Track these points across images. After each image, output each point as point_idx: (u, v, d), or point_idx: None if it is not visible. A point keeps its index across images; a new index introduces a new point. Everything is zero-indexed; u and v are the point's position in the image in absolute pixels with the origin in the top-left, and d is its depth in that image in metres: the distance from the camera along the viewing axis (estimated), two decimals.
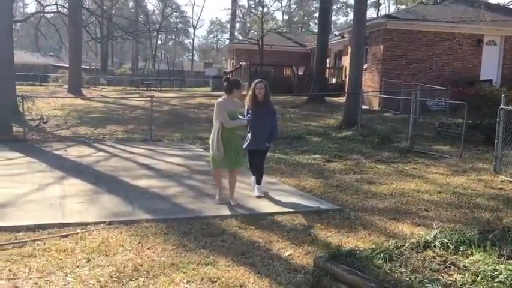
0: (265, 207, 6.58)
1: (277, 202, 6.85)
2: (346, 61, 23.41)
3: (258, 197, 7.01)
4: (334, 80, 27.90)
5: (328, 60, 27.81)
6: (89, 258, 4.56)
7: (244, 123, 6.90)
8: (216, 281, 4.18)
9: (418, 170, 9.75)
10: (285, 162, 10.12)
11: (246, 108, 7.14)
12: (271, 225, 5.85)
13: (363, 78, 18.59)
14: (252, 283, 4.17)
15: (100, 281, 4.07)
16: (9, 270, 4.22)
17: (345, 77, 23.14)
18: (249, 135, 7.06)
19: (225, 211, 6.32)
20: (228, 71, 36.02)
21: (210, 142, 6.72)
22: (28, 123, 13.68)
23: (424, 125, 15.30)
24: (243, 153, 7.00)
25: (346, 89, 18.29)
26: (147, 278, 4.19)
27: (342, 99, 20.37)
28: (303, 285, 4.13)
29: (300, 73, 28.53)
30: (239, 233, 5.51)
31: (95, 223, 5.58)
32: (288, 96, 23.70)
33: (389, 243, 4.51)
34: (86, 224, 5.56)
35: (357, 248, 4.46)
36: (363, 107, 16.39)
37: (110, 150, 11.59)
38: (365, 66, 20.47)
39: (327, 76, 26.91)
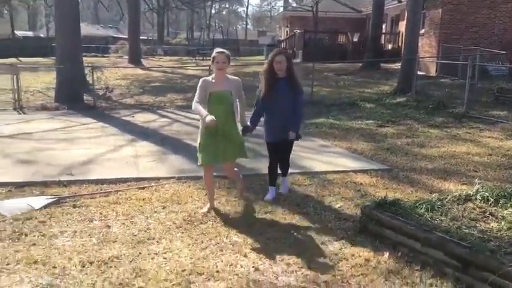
0: (318, 166, 7.07)
1: (329, 162, 7.33)
2: (402, 26, 23.00)
3: (281, 193, 5.68)
4: (390, 46, 27.47)
5: (384, 26, 27.35)
6: (164, 206, 5.27)
7: (203, 117, 4.75)
8: (273, 226, 4.76)
9: (471, 134, 9.86)
10: (337, 128, 10.50)
11: (260, 90, 5.40)
12: (323, 182, 6.35)
13: (419, 44, 18.32)
14: (306, 228, 4.72)
15: (175, 223, 4.76)
16: (100, 213, 4.99)
17: (402, 42, 22.79)
18: (264, 123, 5.50)
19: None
20: (282, 39, 36.13)
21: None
22: (96, 92, 14.73)
23: (482, 91, 15.07)
24: (244, 141, 5.31)
25: (402, 55, 18.14)
26: (214, 222, 4.84)
27: (398, 66, 20.16)
28: (351, 230, 4.63)
29: (355, 40, 28.29)
30: (294, 188, 6.05)
31: (166, 178, 6.30)
32: (342, 64, 23.71)
33: (432, 196, 4.90)
34: (159, 178, 6.29)
35: (401, 199, 4.88)
36: (419, 73, 16.29)
37: (172, 116, 12.38)
38: (422, 31, 20.09)
39: (382, 42, 26.55)
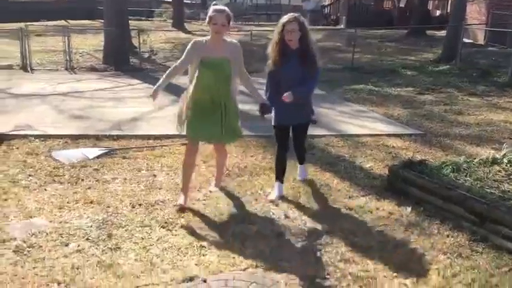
0: (353, 129, 7.31)
1: (364, 126, 7.54)
2: None
3: (301, 179, 5.07)
4: (438, 13, 26.66)
5: None
6: (205, 161, 5.68)
7: (153, 89, 4.20)
8: (305, 181, 5.09)
9: None
10: (376, 94, 10.58)
11: (268, 66, 4.47)
12: (357, 144, 6.60)
13: (468, 10, 17.78)
14: (336, 184, 5.04)
15: (214, 175, 5.17)
16: (147, 165, 5.47)
17: (450, 9, 22.09)
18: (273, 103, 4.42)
19: (316, 131, 7.14)
20: (326, 4, 35.55)
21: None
22: (142, 54, 15.23)
23: None
24: (237, 124, 4.44)
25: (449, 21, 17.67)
26: (250, 175, 5.22)
27: (445, 33, 19.68)
28: (378, 187, 4.91)
29: (402, 5, 27.56)
30: (327, 148, 6.34)
31: None
32: (387, 30, 23.28)
33: (459, 158, 5.09)
34: None
35: (427, 160, 5.09)
36: (466, 40, 15.91)
37: None
38: None
39: (430, 8, 25.78)
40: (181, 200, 4.25)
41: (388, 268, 3.34)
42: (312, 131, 7.16)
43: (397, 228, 3.99)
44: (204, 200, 4.50)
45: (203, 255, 3.43)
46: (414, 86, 11.56)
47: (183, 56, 4.17)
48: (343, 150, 6.32)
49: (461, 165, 4.78)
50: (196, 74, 4.11)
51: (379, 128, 7.42)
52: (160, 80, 4.16)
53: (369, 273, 3.27)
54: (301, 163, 5.13)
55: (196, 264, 3.30)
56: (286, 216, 4.18)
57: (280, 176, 4.69)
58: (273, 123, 4.60)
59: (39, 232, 3.66)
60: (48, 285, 2.96)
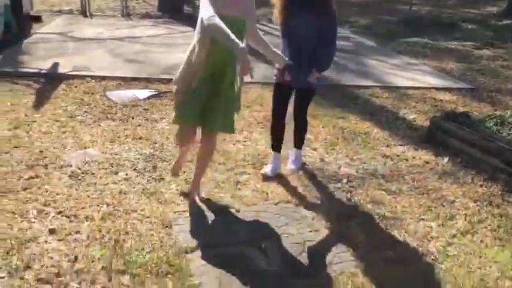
0: (400, 82, 7.21)
1: (413, 79, 7.41)
2: None
3: (291, 171, 4.02)
4: None
5: None
6: (248, 106, 5.85)
7: (238, 48, 2.79)
8: (345, 129, 5.17)
9: None
10: (430, 47, 10.25)
11: (275, 17, 3.75)
12: (402, 96, 6.54)
13: None
14: (375, 133, 5.09)
15: (256, 120, 5.35)
16: None
17: None
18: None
19: (362, 82, 7.12)
20: None
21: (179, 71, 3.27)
22: (195, 3, 15.33)
23: None
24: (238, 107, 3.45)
25: None
26: (291, 120, 5.35)
27: None
28: (418, 138, 4.93)
29: None
30: (371, 99, 6.34)
31: (253, 83, 6.85)
32: None
33: (506, 111, 4.99)
34: (247, 83, 6.84)
35: (470, 111, 5.03)
36: None
37: (264, 28, 12.72)
38: None
39: None
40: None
41: (415, 211, 3.45)
42: (357, 81, 7.17)
43: (430, 176, 4.05)
44: (244, 141, 4.70)
45: (238, 190, 3.66)
46: (473, 41, 11.07)
47: (208, 6, 2.93)
48: (387, 101, 6.30)
49: (506, 119, 4.70)
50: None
51: (429, 81, 7.28)
52: (229, 32, 2.81)
53: (396, 214, 3.40)
54: (297, 145, 4.08)
55: (231, 197, 3.54)
56: (322, 160, 4.32)
57: (276, 145, 4.03)
58: (275, 80, 3.83)
59: (92, 161, 4.00)
60: (98, 205, 3.29)
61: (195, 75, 3.11)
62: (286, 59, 3.53)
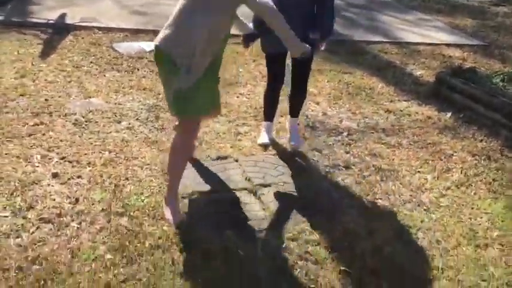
0: (410, 37, 7.08)
1: (424, 35, 7.27)
2: None
3: (294, 146, 3.62)
4: None
5: None
6: (254, 59, 5.81)
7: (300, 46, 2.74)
8: (350, 84, 5.15)
9: None
10: (446, 3, 9.98)
11: None
12: (412, 52, 6.45)
13: None
14: (380, 88, 5.07)
15: (262, 73, 5.33)
16: None
17: None
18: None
19: (371, 37, 7.01)
20: None
21: (175, 53, 2.58)
22: None
23: None
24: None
25: None
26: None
27: None
28: (423, 93, 4.89)
29: None
30: (380, 55, 6.26)
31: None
32: None
33: None
34: None
35: (478, 68, 4.96)
36: None
37: None
38: None
39: None
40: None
41: (412, 164, 3.48)
42: (367, 37, 7.06)
43: (431, 131, 4.05)
44: (248, 94, 4.71)
45: (238, 141, 3.71)
46: None
47: None
48: (396, 57, 6.22)
49: None
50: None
51: (440, 38, 7.14)
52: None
53: (392, 166, 3.44)
54: (293, 114, 3.67)
55: (231, 147, 3.60)
56: (324, 113, 4.33)
57: (270, 114, 3.65)
58: (264, 51, 3.36)
59: (96, 110, 4.06)
60: (100, 152, 3.37)
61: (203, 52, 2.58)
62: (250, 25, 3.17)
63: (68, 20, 6.86)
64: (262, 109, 3.71)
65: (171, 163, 2.73)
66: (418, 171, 3.39)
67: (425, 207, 2.94)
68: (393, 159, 3.54)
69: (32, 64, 5.16)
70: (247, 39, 3.39)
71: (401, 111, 4.47)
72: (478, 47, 6.77)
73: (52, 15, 6.98)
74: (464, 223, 2.80)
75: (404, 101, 4.74)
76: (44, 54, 5.56)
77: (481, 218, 2.86)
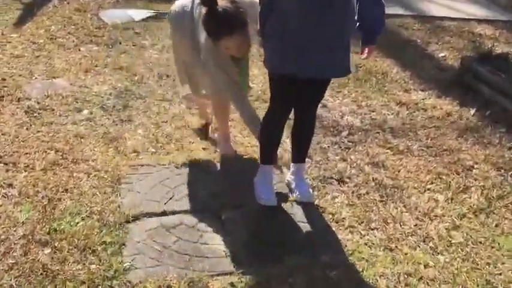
0: (435, 10, 6.25)
1: (451, 7, 6.42)
2: None
3: (308, 198, 2.62)
4: None
5: None
6: None
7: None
8: (360, 67, 4.43)
9: None
10: None
11: None
12: (436, 28, 5.66)
13: None
14: (395, 73, 4.36)
15: (259, 52, 4.67)
16: None
17: None
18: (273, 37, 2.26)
19: (390, 10, 6.19)
20: None
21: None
22: None
23: None
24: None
25: None
26: None
27: None
28: (445, 82, 4.18)
29: None
30: (399, 31, 5.50)
31: None
32: None
33: None
34: None
35: (510, 53, 4.21)
36: None
37: None
38: None
39: None
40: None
41: (422, 178, 2.84)
42: (386, 9, 6.24)
43: (449, 133, 3.38)
44: None
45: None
46: None
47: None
48: (417, 33, 5.46)
49: None
50: None
51: (469, 11, 6.29)
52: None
53: (397, 181, 2.80)
54: (300, 158, 2.68)
55: (204, 148, 3.01)
56: (324, 106, 3.67)
57: (271, 156, 2.65)
58: (270, 70, 2.37)
59: (55, 94, 3.50)
60: (45, 151, 2.83)
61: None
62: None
63: None
64: (258, 147, 2.67)
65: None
66: (428, 189, 2.76)
67: (431, 245, 2.32)
68: (399, 171, 2.91)
69: (1, 34, 4.61)
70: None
71: (416, 104, 3.79)
72: (511, 23, 5.94)
73: None
74: (481, 271, 2.18)
75: (421, 90, 4.04)
76: (20, 22, 4.98)
77: (503, 263, 2.24)
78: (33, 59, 4.14)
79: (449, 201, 2.66)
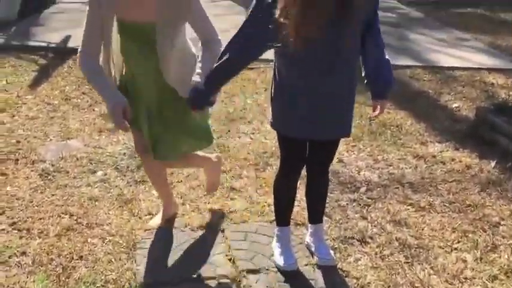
0: (445, 60, 6.30)
1: (461, 57, 6.47)
2: None
3: (325, 263, 2.49)
4: None
5: None
6: (266, 88, 5.18)
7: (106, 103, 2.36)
8: (373, 120, 4.42)
9: None
10: (487, 19, 9.14)
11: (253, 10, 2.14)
12: (447, 78, 5.67)
13: None
14: (409, 125, 4.32)
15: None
16: None
17: None
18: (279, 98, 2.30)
19: (400, 61, 6.26)
20: None
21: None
22: None
23: None
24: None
25: None
26: None
27: None
28: (461, 133, 4.13)
29: None
30: (410, 82, 5.52)
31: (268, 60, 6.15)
32: None
33: None
34: (268, 61, 6.15)
35: None
36: None
37: None
38: None
39: None
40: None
41: (447, 237, 2.74)
42: (396, 60, 6.29)
43: (471, 187, 3.29)
44: (252, 133, 4.07)
45: (231, 199, 3.05)
46: None
47: (86, 27, 2.30)
48: (428, 84, 5.47)
49: None
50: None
51: (479, 61, 6.33)
52: (102, 82, 2.34)
53: (422, 241, 2.70)
54: (317, 218, 2.58)
55: (219, 209, 2.94)
56: (340, 160, 3.63)
57: (285, 217, 2.57)
58: (273, 128, 2.39)
59: (70, 156, 3.49)
60: (60, 216, 2.78)
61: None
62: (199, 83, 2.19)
63: (71, 43, 6.39)
64: (274, 209, 2.58)
65: None
66: (455, 249, 2.65)
67: None
68: (422, 229, 2.81)
69: (17, 96, 4.69)
70: (195, 101, 2.26)
71: (433, 157, 3.73)
72: None
73: (55, 38, 6.55)
74: None
75: (438, 142, 3.99)
76: (35, 84, 5.08)
77: None
78: (48, 120, 4.18)
79: (479, 261, 2.55)
